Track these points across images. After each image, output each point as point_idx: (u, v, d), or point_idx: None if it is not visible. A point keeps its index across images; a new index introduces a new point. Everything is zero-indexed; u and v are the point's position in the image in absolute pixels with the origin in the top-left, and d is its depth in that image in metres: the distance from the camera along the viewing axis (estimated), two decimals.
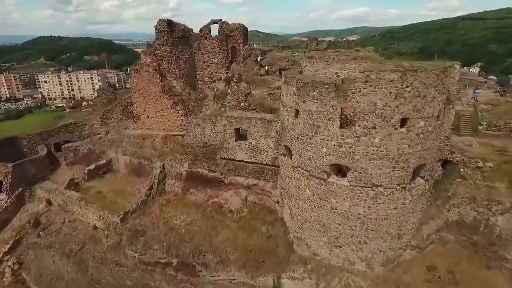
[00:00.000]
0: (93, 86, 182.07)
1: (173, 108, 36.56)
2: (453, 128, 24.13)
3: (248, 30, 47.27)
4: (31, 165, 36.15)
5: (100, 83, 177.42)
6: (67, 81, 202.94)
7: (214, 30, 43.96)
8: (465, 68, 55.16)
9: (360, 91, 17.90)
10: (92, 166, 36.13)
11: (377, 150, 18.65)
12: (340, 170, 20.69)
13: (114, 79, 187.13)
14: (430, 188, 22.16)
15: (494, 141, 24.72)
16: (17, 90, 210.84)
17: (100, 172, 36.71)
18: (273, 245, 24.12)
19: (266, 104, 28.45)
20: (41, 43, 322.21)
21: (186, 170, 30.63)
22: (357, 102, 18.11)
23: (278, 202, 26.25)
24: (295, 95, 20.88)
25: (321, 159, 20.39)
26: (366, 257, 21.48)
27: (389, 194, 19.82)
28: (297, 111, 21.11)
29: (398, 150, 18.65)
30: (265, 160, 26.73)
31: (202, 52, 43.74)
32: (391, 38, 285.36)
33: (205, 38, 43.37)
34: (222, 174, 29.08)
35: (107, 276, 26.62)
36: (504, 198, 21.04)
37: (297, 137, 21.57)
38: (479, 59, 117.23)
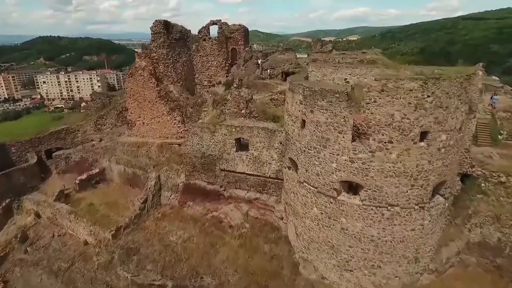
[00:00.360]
0: (92, 87, 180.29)
1: (170, 114, 34.53)
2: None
3: (249, 30, 45.25)
4: (20, 174, 34.19)
5: (100, 84, 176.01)
6: (66, 81, 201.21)
7: (214, 31, 42.04)
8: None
9: (376, 101, 16.01)
10: (83, 176, 34.11)
11: (393, 167, 16.76)
12: (352, 187, 18.76)
13: (114, 80, 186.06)
14: (449, 206, 20.23)
15: None
16: (16, 91, 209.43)
17: (93, 182, 34.67)
18: (277, 266, 22.20)
19: (269, 111, 26.40)
20: (40, 43, 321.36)
21: (183, 182, 28.71)
22: (371, 113, 16.21)
23: (282, 219, 24.34)
24: (302, 104, 18.95)
25: (330, 175, 18.47)
26: (379, 282, 19.54)
27: (406, 215, 17.91)
28: (303, 121, 19.17)
29: (417, 167, 16.76)
30: (268, 173, 24.84)
31: (200, 55, 41.79)
32: (392, 38, 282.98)
33: (204, 40, 41.40)
34: (221, 186, 27.20)
35: None
36: None
37: (304, 150, 19.63)
38: (480, 59, 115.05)
